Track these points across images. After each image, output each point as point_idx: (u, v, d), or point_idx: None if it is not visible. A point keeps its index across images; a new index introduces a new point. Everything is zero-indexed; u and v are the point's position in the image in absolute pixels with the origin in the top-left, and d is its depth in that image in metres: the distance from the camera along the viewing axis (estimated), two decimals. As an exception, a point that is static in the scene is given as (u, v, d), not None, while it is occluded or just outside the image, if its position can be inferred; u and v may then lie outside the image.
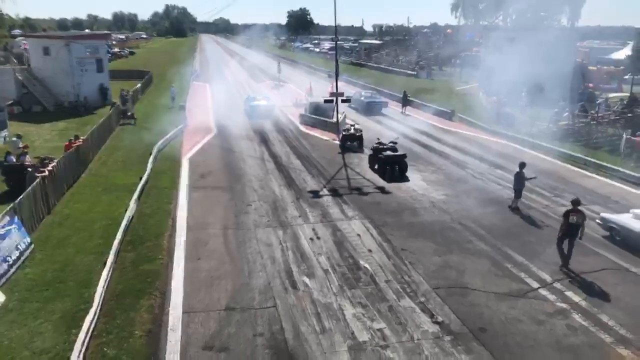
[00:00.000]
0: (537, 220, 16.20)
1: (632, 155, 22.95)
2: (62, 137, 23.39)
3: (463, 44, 65.05)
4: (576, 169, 22.25)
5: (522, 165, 17.04)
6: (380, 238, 14.60)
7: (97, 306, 10.36)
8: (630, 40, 54.43)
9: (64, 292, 11.25)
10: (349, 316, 10.64)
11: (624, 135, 23.82)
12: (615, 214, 15.34)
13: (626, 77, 45.55)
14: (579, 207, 12.83)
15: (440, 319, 10.58)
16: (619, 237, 14.55)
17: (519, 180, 16.82)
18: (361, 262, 13.03)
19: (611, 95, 37.27)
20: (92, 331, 9.77)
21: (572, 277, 12.45)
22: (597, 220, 15.46)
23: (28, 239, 13.10)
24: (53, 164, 17.21)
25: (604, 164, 21.88)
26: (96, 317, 10.14)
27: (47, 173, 16.06)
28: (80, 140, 20.73)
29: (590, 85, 42.02)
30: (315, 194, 18.42)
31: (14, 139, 21.58)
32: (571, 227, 12.76)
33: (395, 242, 14.30)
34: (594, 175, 21.19)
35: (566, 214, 12.87)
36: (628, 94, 35.36)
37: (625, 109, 29.60)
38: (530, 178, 17.16)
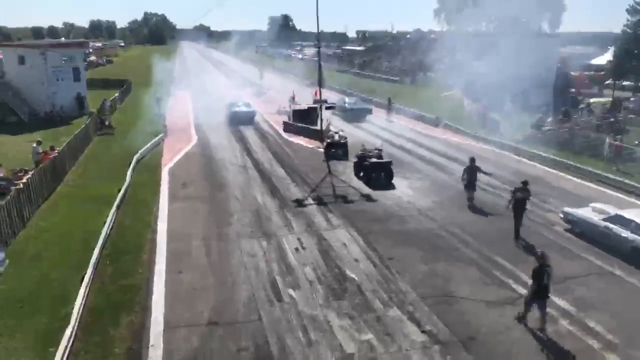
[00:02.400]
0: (523, 225, 16.12)
1: (614, 159, 23.19)
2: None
3: (446, 49, 65.57)
4: (561, 173, 22.40)
5: (472, 159, 18.20)
6: (367, 247, 14.41)
7: (75, 323, 10.02)
8: (610, 46, 55.42)
9: (40, 309, 10.89)
10: (335, 328, 10.41)
11: (607, 140, 24.06)
12: (575, 208, 16.03)
13: (607, 82, 46.28)
14: (527, 187, 15.23)
15: (428, 328, 10.43)
16: (578, 229, 15.36)
17: (472, 173, 17.81)
18: (347, 272, 12.81)
19: (593, 100, 37.82)
20: (70, 349, 9.42)
21: (558, 282, 12.36)
22: (560, 214, 16.16)
23: (2, 254, 12.65)
24: (28, 176, 16.72)
25: (588, 168, 22.09)
26: (74, 334, 9.79)
27: (21, 185, 15.57)
28: (56, 151, 20.24)
29: (573, 90, 42.60)
30: (300, 202, 18.17)
31: (34, 145, 21.41)
32: (517, 202, 15.01)
33: (382, 250, 14.12)
34: (578, 180, 21.34)
35: (514, 191, 15.27)
36: (610, 99, 35.91)
37: (607, 114, 30.00)
38: (486, 173, 18.33)
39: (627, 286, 12.35)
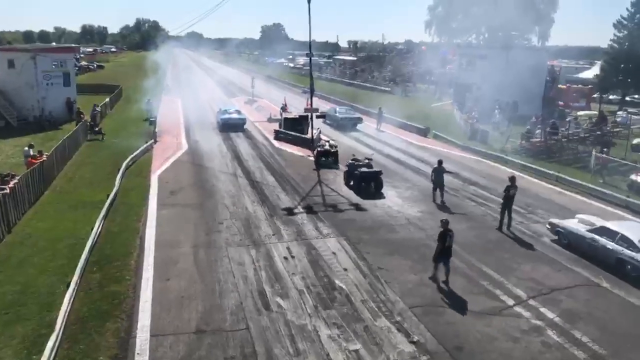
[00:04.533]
0: (511, 236, 16.29)
1: (601, 171, 23.48)
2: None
3: (437, 61, 66.19)
4: (549, 185, 22.63)
5: (440, 162, 19.67)
6: (356, 256, 14.41)
7: (60, 330, 9.88)
8: (598, 60, 56.33)
9: (24, 316, 10.76)
10: (324, 337, 10.38)
11: (594, 153, 24.37)
12: (562, 219, 16.26)
13: (594, 95, 46.99)
14: (514, 183, 16.63)
15: (416, 338, 10.44)
16: (565, 240, 15.49)
17: (439, 175, 19.24)
18: (336, 282, 12.80)
19: (580, 113, 38.36)
20: (54, 357, 9.30)
21: (545, 293, 12.49)
22: (546, 226, 16.38)
23: (-14, 260, 12.48)
24: (15, 180, 16.55)
25: (575, 180, 22.33)
26: (58, 341, 9.66)
27: (8, 190, 15.40)
28: (44, 156, 20.08)
29: (561, 103, 43.18)
30: (290, 211, 18.15)
31: (26, 148, 21.57)
32: (508, 198, 16.53)
33: (371, 260, 14.13)
34: (566, 192, 21.57)
35: (507, 189, 16.60)
36: (596, 112, 36.43)
37: (594, 127, 30.43)
38: (451, 172, 20.11)
39: (613, 297, 12.47)
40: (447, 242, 12.82)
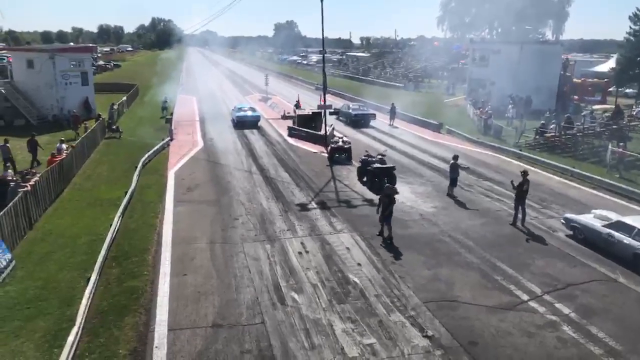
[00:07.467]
0: (525, 231, 16.23)
1: (617, 166, 23.20)
2: (45, 151, 23.07)
3: (450, 56, 65.78)
4: (564, 180, 22.42)
5: (456, 157, 19.91)
6: (370, 251, 14.49)
7: (80, 324, 10.12)
8: (613, 53, 55.45)
9: (45, 310, 11.00)
10: (338, 331, 10.48)
11: (610, 147, 24.06)
12: (578, 214, 16.17)
13: (610, 89, 46.33)
14: (527, 178, 16.67)
15: (430, 333, 10.48)
16: (581, 235, 15.40)
17: (454, 170, 19.49)
18: (350, 276, 12.89)
19: (596, 107, 37.86)
20: (75, 350, 9.53)
21: (561, 289, 12.43)
22: (561, 221, 16.29)
23: (9, 256, 12.80)
24: (35, 178, 16.90)
25: (591, 175, 22.06)
26: (79, 335, 9.90)
27: (29, 188, 15.74)
28: (65, 151, 20.45)
29: (576, 97, 42.65)
30: (304, 206, 18.28)
31: (58, 144, 22.40)
32: (522, 192, 16.53)
33: (385, 255, 14.20)
34: (581, 187, 21.35)
35: (520, 184, 16.59)
36: (612, 106, 35.94)
37: (610, 121, 30.02)
38: (464, 168, 20.16)
39: (630, 293, 12.35)
40: (389, 207, 15.16)
